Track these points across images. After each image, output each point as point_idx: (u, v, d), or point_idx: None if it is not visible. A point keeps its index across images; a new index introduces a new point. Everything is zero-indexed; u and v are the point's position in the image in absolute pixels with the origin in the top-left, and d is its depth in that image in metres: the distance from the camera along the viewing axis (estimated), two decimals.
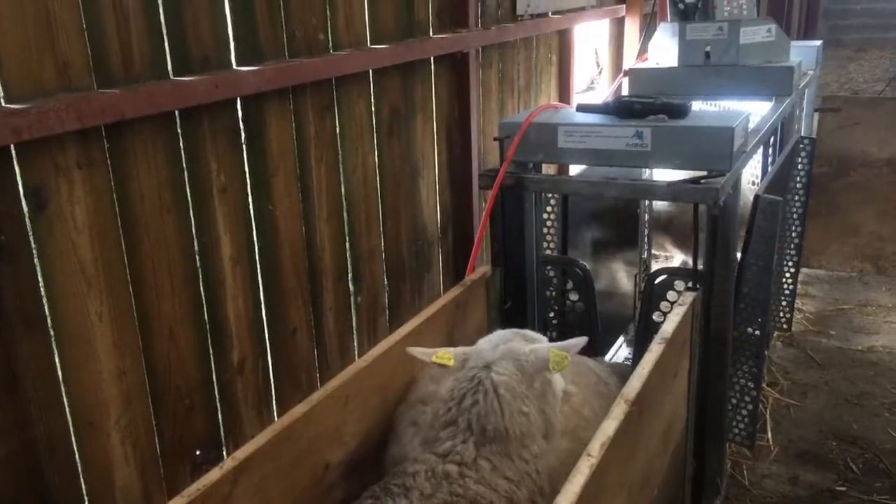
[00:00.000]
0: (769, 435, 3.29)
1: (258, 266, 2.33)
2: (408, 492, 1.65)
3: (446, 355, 1.85)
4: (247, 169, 2.25)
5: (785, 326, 4.10)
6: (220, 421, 2.25)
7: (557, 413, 1.88)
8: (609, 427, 1.65)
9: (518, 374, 1.79)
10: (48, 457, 1.79)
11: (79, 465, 1.86)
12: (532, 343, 1.91)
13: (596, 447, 1.58)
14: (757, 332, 2.63)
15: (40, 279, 1.73)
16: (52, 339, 1.77)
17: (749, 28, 3.27)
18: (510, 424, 1.74)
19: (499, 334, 1.97)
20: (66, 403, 1.82)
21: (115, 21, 1.82)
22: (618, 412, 1.71)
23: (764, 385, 3.58)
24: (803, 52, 3.73)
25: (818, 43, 4.04)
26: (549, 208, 2.81)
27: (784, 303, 4.04)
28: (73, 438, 1.84)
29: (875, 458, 3.13)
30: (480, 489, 1.66)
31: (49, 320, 1.76)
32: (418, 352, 1.89)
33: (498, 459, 1.72)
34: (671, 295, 2.49)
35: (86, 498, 1.88)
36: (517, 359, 1.82)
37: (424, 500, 1.64)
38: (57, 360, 1.79)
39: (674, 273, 2.55)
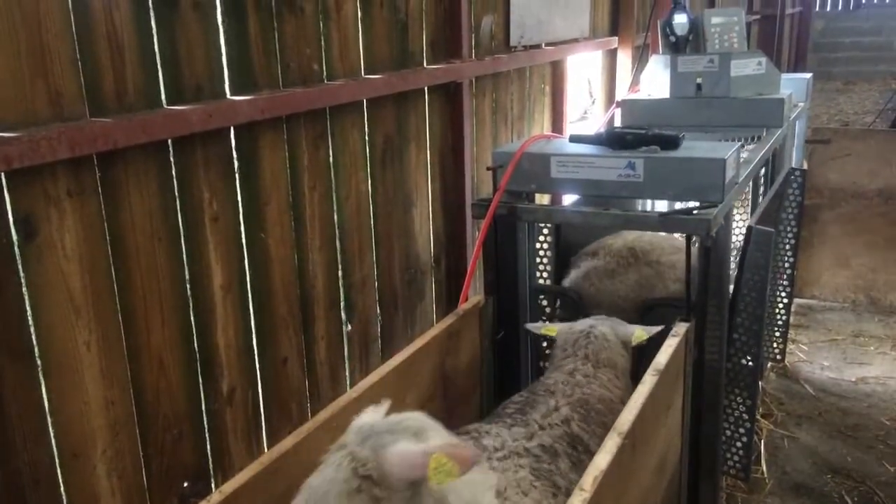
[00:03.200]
0: (764, 467, 3.27)
1: (249, 295, 2.32)
2: (552, 394, 2.20)
3: (552, 327, 2.50)
4: (239, 197, 2.24)
5: (778, 357, 4.10)
6: (209, 452, 2.22)
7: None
8: (602, 461, 1.63)
9: (613, 334, 2.39)
10: (32, 488, 1.75)
11: (64, 497, 1.82)
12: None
13: (588, 481, 1.56)
14: (750, 363, 2.63)
15: (28, 308, 1.71)
16: (39, 368, 1.75)
17: (740, 61, 3.31)
18: (617, 358, 2.35)
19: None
20: (51, 434, 1.79)
21: (109, 50, 1.83)
22: (611, 445, 1.69)
23: (758, 416, 3.56)
24: (793, 85, 3.77)
25: (808, 76, 4.09)
26: (541, 237, 2.81)
27: (777, 333, 4.04)
28: (59, 470, 1.81)
29: (870, 490, 3.11)
30: (601, 391, 2.24)
31: (36, 350, 1.74)
32: (533, 327, 2.54)
33: (610, 376, 2.30)
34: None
35: None
36: (612, 326, 2.43)
37: (566, 398, 2.17)
38: (43, 389, 1.76)
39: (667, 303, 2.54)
